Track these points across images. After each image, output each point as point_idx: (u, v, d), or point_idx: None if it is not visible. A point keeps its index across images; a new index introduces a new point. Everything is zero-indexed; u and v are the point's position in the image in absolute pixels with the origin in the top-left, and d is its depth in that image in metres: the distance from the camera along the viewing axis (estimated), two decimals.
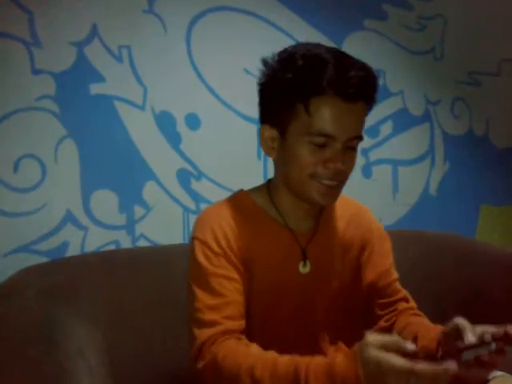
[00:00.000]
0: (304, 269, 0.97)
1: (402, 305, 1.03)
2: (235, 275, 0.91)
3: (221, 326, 0.87)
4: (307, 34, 1.74)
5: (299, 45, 0.92)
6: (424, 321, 1.00)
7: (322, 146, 0.86)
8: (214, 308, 0.89)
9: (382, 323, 1.02)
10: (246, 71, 1.70)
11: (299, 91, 0.85)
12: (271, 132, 0.92)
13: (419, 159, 2.06)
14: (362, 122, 0.90)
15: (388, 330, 1.00)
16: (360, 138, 0.90)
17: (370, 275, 1.03)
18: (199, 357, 0.87)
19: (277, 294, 0.95)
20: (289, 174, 0.91)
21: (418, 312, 1.04)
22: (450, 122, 2.11)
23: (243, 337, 0.89)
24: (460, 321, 0.82)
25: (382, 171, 1.97)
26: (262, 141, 0.94)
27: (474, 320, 1.59)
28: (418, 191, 2.06)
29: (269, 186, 0.99)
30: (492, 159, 2.21)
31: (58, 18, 1.46)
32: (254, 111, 1.68)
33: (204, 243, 0.92)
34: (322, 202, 0.91)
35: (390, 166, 1.99)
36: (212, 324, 0.88)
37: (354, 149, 0.90)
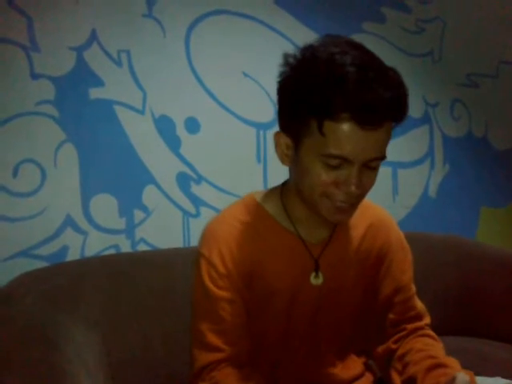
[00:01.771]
0: (316, 280, 0.92)
1: (413, 324, 0.98)
2: (238, 298, 0.89)
3: (222, 353, 0.88)
4: (306, 37, 1.72)
5: (327, 41, 0.80)
6: (427, 348, 0.93)
7: (336, 167, 0.78)
8: (216, 332, 0.88)
9: (390, 344, 0.98)
10: (245, 74, 1.70)
11: (313, 108, 0.76)
12: (286, 140, 0.84)
13: (419, 161, 2.06)
14: (386, 142, 0.80)
15: (394, 353, 0.97)
16: (382, 159, 0.81)
17: (387, 289, 0.97)
18: (199, 379, 0.89)
19: (288, 306, 0.92)
20: (301, 188, 0.85)
21: (427, 331, 0.98)
22: (450, 124, 2.11)
23: (244, 360, 0.89)
24: (459, 379, 0.77)
25: (382, 174, 1.93)
26: (277, 146, 0.86)
27: (474, 319, 1.60)
28: (417, 194, 2.06)
29: (282, 191, 0.93)
30: (491, 161, 2.21)
31: (57, 22, 1.46)
32: (254, 114, 1.71)
33: (210, 263, 0.89)
34: (333, 220, 0.85)
35: (389, 168, 1.99)
36: (213, 349, 0.88)
37: (373, 168, 0.81)
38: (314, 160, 0.79)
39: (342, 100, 0.73)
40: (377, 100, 0.74)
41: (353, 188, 0.79)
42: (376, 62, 0.79)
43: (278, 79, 0.83)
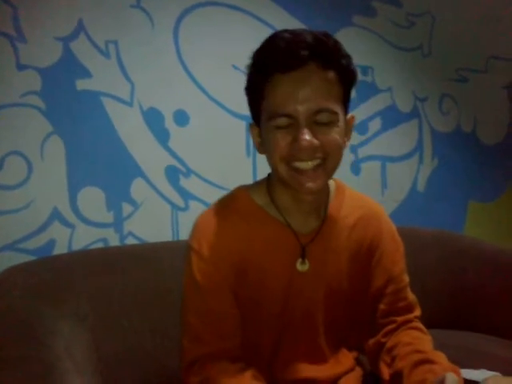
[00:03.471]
0: (302, 267, 0.92)
1: (402, 317, 0.98)
2: (228, 291, 0.89)
3: (213, 346, 0.88)
4: None
5: None
6: (415, 341, 0.93)
7: (287, 129, 0.81)
8: (207, 325, 0.88)
9: (380, 338, 0.98)
10: (235, 67, 1.69)
11: (255, 79, 0.84)
12: (256, 129, 0.90)
13: (408, 156, 2.07)
14: (324, 91, 0.80)
15: (383, 346, 0.97)
16: (329, 112, 0.80)
17: (378, 280, 0.97)
18: (191, 372, 0.89)
19: (281, 299, 0.92)
20: (271, 166, 0.87)
21: (416, 324, 0.99)
22: (439, 119, 2.13)
23: (237, 353, 0.89)
24: (448, 380, 0.77)
25: (371, 168, 1.98)
26: (252, 138, 0.92)
27: (462, 313, 1.61)
28: (406, 188, 2.07)
29: (268, 182, 0.95)
30: (480, 156, 2.23)
31: (43, 12, 1.44)
32: (243, 108, 1.68)
33: (200, 256, 0.89)
34: (304, 190, 0.84)
35: (378, 162, 1.99)
36: (204, 342, 0.88)
37: (327, 124, 0.81)
38: (268, 130, 0.83)
39: (272, 58, 0.80)
40: (297, 42, 0.78)
41: (302, 142, 0.79)
42: (309, 30, 0.82)
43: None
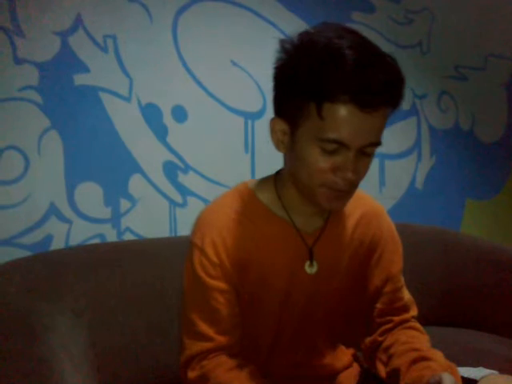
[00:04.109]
0: (310, 269, 0.92)
1: (399, 316, 0.99)
2: (230, 288, 0.89)
3: (213, 342, 0.88)
4: (294, 25, 1.73)
5: (324, 28, 0.81)
6: (412, 340, 0.94)
7: (332, 152, 0.78)
8: (208, 321, 0.88)
9: (377, 337, 0.98)
10: (233, 63, 1.68)
11: (312, 91, 0.76)
12: (282, 126, 0.83)
13: (406, 153, 2.07)
14: (382, 128, 0.81)
15: (380, 345, 0.97)
16: (377, 145, 0.81)
17: (376, 279, 0.98)
18: (189, 367, 0.89)
19: (283, 296, 0.92)
20: (297, 177, 0.84)
21: (413, 323, 0.99)
22: (437, 116, 2.12)
23: (236, 350, 0.89)
24: (446, 380, 0.77)
25: None
26: (273, 133, 0.85)
27: (459, 311, 1.62)
28: (404, 185, 2.07)
29: (276, 179, 0.93)
30: (478, 154, 2.23)
31: (41, 6, 1.43)
32: (241, 104, 1.70)
33: (203, 253, 0.88)
34: (330, 208, 0.86)
35: (376, 159, 1.99)
36: (205, 338, 0.88)
37: (369, 155, 0.82)
38: (310, 145, 0.79)
39: (340, 82, 0.74)
40: (375, 82, 0.74)
41: (350, 174, 0.79)
42: (372, 46, 0.80)
43: (275, 65, 0.83)
